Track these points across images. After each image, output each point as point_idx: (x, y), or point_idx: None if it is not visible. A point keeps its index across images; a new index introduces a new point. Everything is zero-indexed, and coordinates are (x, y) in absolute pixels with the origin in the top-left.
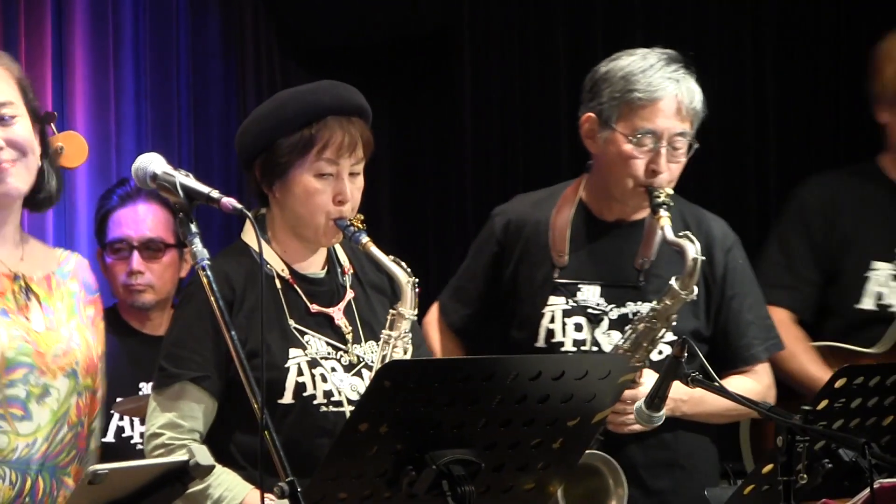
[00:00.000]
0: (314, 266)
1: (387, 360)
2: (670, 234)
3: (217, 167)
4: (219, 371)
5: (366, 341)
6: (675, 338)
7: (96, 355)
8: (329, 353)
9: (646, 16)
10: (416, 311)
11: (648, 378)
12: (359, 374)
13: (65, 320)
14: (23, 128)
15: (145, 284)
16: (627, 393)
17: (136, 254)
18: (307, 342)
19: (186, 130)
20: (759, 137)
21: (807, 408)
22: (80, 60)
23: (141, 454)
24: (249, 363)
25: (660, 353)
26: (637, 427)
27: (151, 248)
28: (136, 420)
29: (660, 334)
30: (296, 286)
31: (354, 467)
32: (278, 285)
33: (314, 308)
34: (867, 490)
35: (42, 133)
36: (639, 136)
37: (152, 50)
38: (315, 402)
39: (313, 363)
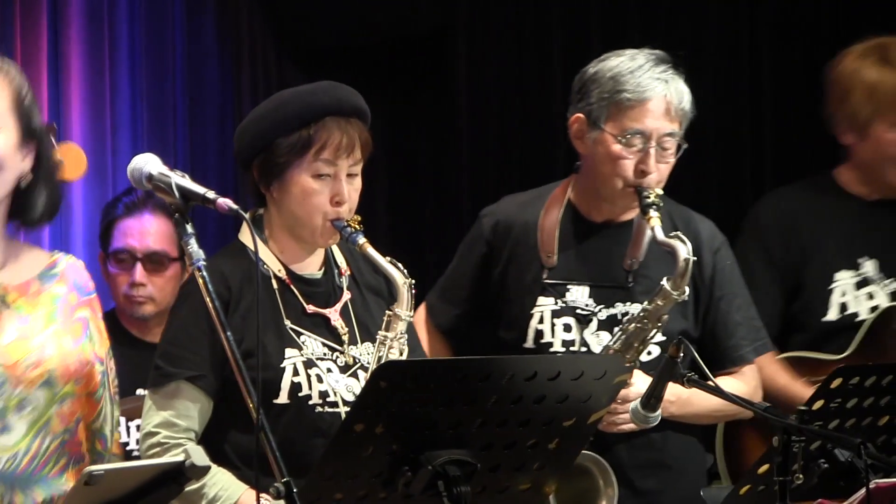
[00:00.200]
0: (311, 267)
1: (383, 362)
2: (661, 235)
3: (213, 168)
4: (214, 370)
5: (362, 342)
6: (664, 338)
7: (80, 359)
8: (325, 354)
9: (642, 17)
10: (412, 313)
11: (638, 378)
12: (354, 374)
13: (40, 328)
14: (1, 141)
15: (146, 297)
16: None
17: (139, 266)
18: (303, 343)
19: (182, 131)
20: (756, 138)
21: (803, 408)
22: (76, 61)
23: (137, 458)
24: (245, 363)
25: (648, 353)
26: (627, 427)
27: (155, 262)
28: (133, 425)
29: (651, 335)
30: (292, 287)
31: (350, 467)
32: (275, 286)
33: (311, 309)
34: (863, 490)
35: (39, 149)
36: (628, 136)
37: (148, 51)
38: (310, 402)
39: (309, 363)
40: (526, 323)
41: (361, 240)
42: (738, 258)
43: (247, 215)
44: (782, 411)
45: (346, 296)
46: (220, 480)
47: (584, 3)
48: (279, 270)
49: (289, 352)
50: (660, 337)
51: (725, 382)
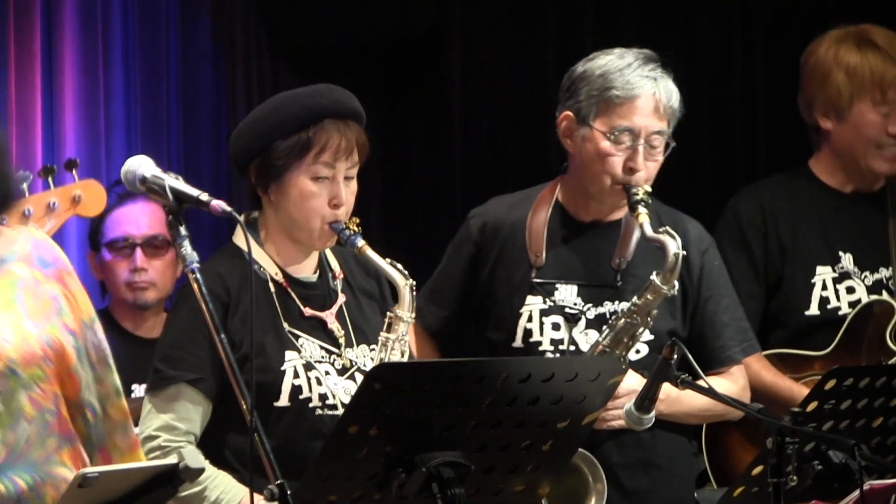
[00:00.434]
0: (307, 270)
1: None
2: (650, 231)
3: (207, 170)
4: (214, 373)
5: (357, 345)
6: (653, 337)
7: (47, 340)
8: (323, 357)
9: (636, 18)
10: (413, 314)
11: (628, 378)
12: (352, 377)
13: None
14: None
15: (148, 282)
16: None
17: (138, 251)
18: (301, 345)
19: (176, 133)
20: (749, 139)
21: (797, 409)
22: (70, 62)
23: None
24: (245, 366)
25: (637, 352)
26: (616, 423)
27: (154, 245)
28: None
29: (640, 330)
30: (289, 289)
31: (344, 469)
32: (272, 288)
33: (307, 312)
34: (857, 492)
35: None
36: (616, 133)
37: (142, 52)
38: (311, 405)
39: (308, 366)
40: (514, 323)
41: (360, 242)
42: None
43: (241, 218)
44: (769, 408)
45: (342, 299)
46: (221, 483)
47: (578, 3)
48: (276, 273)
49: (288, 354)
50: (648, 336)
51: (715, 382)
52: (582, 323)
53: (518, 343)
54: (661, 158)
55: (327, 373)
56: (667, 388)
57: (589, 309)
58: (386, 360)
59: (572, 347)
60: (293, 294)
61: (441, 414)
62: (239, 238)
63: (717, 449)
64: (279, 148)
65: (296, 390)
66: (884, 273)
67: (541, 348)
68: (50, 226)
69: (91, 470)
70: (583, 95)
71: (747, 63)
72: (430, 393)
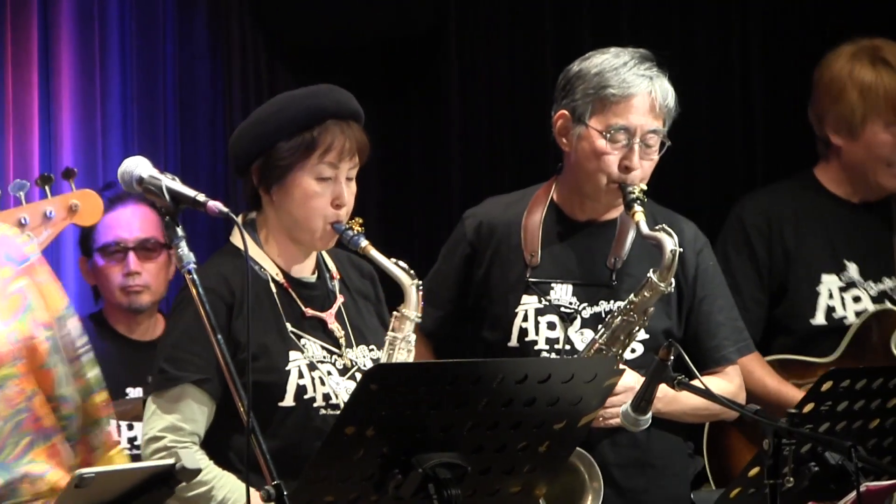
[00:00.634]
0: (306, 271)
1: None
2: (646, 229)
3: (203, 170)
4: (219, 374)
5: (357, 346)
6: (648, 337)
7: (17, 338)
8: (324, 357)
9: (633, 19)
10: (419, 313)
11: (625, 375)
12: (353, 377)
13: None
14: None
15: (142, 285)
16: None
17: (131, 255)
18: (303, 346)
19: (173, 133)
20: (747, 140)
21: (793, 411)
22: (67, 63)
23: (128, 458)
24: (252, 366)
25: (632, 351)
26: (613, 422)
27: (147, 248)
28: (124, 426)
29: (637, 328)
30: (290, 290)
31: (341, 470)
32: (273, 289)
33: (308, 312)
34: (853, 493)
35: None
36: (612, 132)
37: (138, 52)
38: (315, 404)
39: (311, 366)
40: (510, 322)
41: (364, 242)
42: (722, 259)
43: (239, 219)
44: (773, 414)
45: (340, 299)
46: (228, 483)
47: (576, 4)
48: (276, 274)
49: (293, 354)
50: (643, 335)
51: (711, 382)
52: (577, 322)
53: (514, 343)
54: (656, 157)
55: (329, 373)
56: (665, 387)
57: (584, 308)
58: (394, 359)
59: (568, 347)
60: (294, 294)
61: (438, 415)
62: (237, 238)
63: (718, 450)
64: (283, 148)
65: (300, 390)
66: (888, 283)
67: (536, 348)
68: (46, 235)
69: (88, 470)
70: (578, 94)
71: (745, 63)
72: (427, 394)
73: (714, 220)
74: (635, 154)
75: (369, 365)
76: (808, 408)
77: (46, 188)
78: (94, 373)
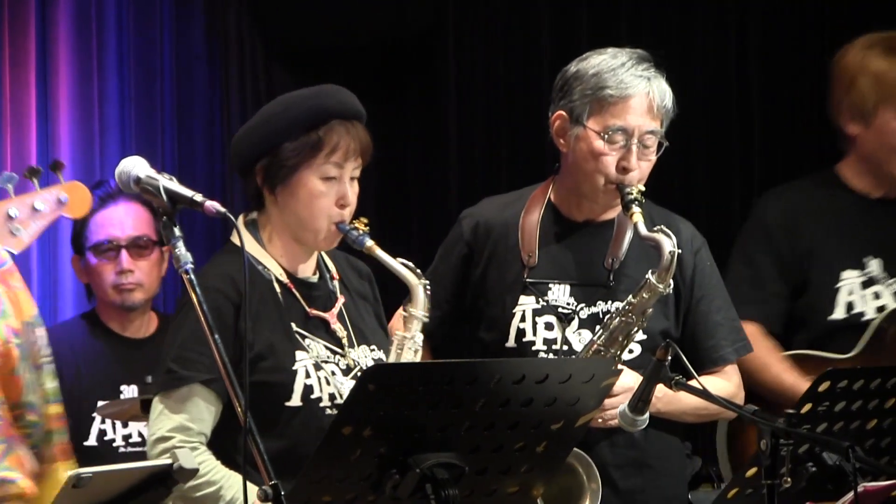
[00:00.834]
0: (308, 271)
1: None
2: (644, 230)
3: (201, 170)
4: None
5: (358, 346)
6: (646, 337)
7: None
8: (328, 357)
9: (630, 20)
10: (427, 313)
11: (624, 375)
12: (356, 377)
13: None
14: None
15: (135, 283)
16: None
17: (124, 253)
18: (308, 346)
19: (170, 134)
20: (744, 139)
21: (791, 411)
22: (64, 64)
23: (123, 458)
24: (257, 366)
25: (630, 352)
26: (612, 422)
27: (139, 246)
28: (119, 423)
29: (635, 329)
30: (293, 290)
31: (338, 471)
32: (277, 289)
33: (312, 312)
34: (851, 493)
35: None
36: (610, 133)
37: (136, 53)
38: (321, 404)
39: (317, 366)
40: (507, 322)
41: (369, 242)
42: (743, 256)
43: (240, 219)
44: (771, 414)
45: (341, 300)
46: (236, 483)
47: (573, 4)
48: (280, 274)
49: (299, 354)
50: (641, 335)
51: (710, 382)
52: (575, 323)
53: (511, 343)
54: (654, 158)
55: (333, 373)
56: (664, 387)
57: (582, 309)
58: (402, 360)
59: (565, 347)
60: (297, 294)
61: (435, 415)
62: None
63: (736, 447)
64: (288, 148)
65: (307, 390)
66: None
67: (534, 348)
68: (37, 227)
69: (85, 470)
70: (576, 95)
71: (742, 63)
72: (424, 394)
73: (711, 219)
74: (633, 155)
75: (371, 365)
76: (805, 408)
77: (35, 180)
78: (52, 385)
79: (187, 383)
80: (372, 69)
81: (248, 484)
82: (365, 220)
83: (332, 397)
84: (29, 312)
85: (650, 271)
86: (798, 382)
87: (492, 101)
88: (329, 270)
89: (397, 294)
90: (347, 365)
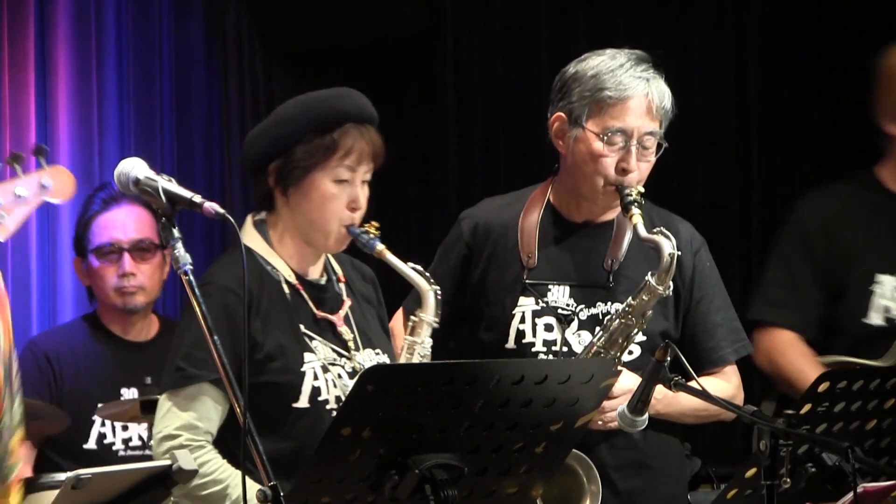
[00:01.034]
0: (316, 273)
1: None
2: (643, 232)
3: (200, 171)
4: (235, 373)
5: (363, 349)
6: (645, 339)
7: None
8: (335, 360)
9: (628, 20)
10: (437, 318)
11: (624, 377)
12: None
13: None
14: None
15: (137, 286)
16: None
17: (126, 256)
18: (315, 347)
19: (169, 134)
20: (742, 140)
21: (790, 412)
22: (63, 64)
23: (122, 462)
24: (266, 366)
25: (629, 353)
26: (612, 424)
27: (142, 249)
28: (119, 427)
29: (635, 331)
30: (302, 291)
31: (337, 471)
32: (286, 290)
33: (319, 314)
34: (850, 494)
35: None
36: (609, 134)
37: (135, 53)
38: (328, 406)
39: (325, 368)
40: (507, 323)
41: (380, 246)
42: (779, 260)
43: (248, 218)
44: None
45: (348, 302)
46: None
47: (571, 6)
48: (289, 275)
49: (307, 356)
50: (641, 337)
51: (709, 383)
52: (574, 324)
53: (511, 344)
54: (653, 159)
55: (340, 375)
56: (665, 389)
57: (581, 310)
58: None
59: (565, 349)
60: (306, 296)
61: (434, 416)
62: (248, 239)
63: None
64: (302, 149)
65: (315, 392)
66: None
67: (534, 349)
68: (21, 214)
69: (84, 471)
70: (575, 96)
71: (741, 63)
72: (423, 395)
73: (710, 220)
74: (632, 156)
75: (369, 366)
76: (805, 409)
77: (17, 167)
78: (20, 410)
79: (196, 382)
80: (371, 69)
81: (251, 483)
82: (376, 224)
83: (338, 400)
84: (11, 340)
85: (649, 273)
86: None
87: (490, 101)
88: (335, 273)
89: (397, 296)
90: (353, 367)
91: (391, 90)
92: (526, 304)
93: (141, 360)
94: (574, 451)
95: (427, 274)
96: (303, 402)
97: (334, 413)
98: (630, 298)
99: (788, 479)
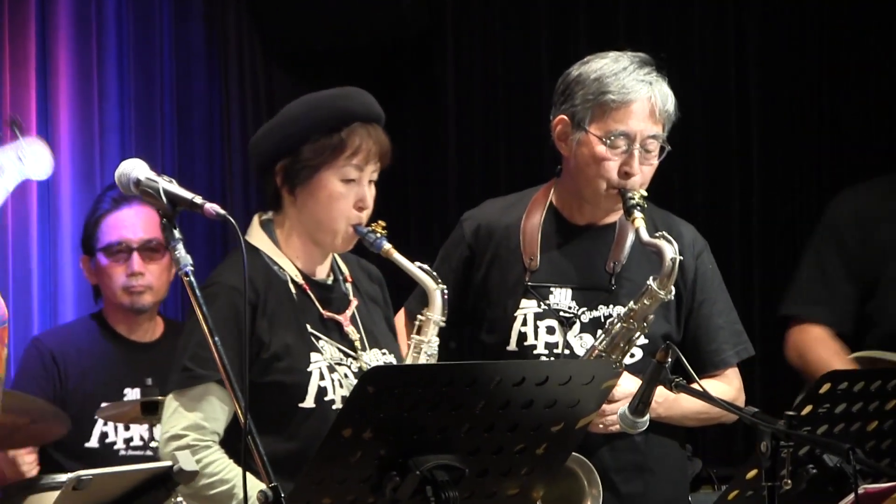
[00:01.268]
0: (323, 273)
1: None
2: (646, 236)
3: (200, 173)
4: (242, 373)
5: (370, 349)
6: (647, 342)
7: None
8: (341, 360)
9: (628, 20)
10: (444, 318)
11: (623, 377)
12: None
13: None
14: None
15: (145, 286)
16: None
17: (135, 255)
18: (321, 347)
19: (170, 135)
20: (743, 141)
21: (791, 413)
22: (64, 65)
23: (123, 461)
24: (273, 366)
25: (631, 356)
26: (614, 428)
27: (151, 249)
28: (121, 426)
29: (636, 335)
30: (309, 291)
31: (338, 473)
32: (293, 290)
33: (326, 314)
34: (852, 495)
35: None
36: (612, 137)
37: (136, 54)
38: (334, 406)
39: (331, 368)
40: (509, 325)
41: (387, 245)
42: (813, 256)
43: (255, 218)
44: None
45: (354, 302)
46: (249, 481)
47: (571, 6)
48: (295, 275)
49: (314, 356)
50: (643, 340)
51: (710, 385)
52: (576, 327)
53: (512, 346)
54: (656, 162)
55: (346, 375)
56: (665, 391)
57: (583, 312)
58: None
59: (567, 351)
60: (312, 296)
61: (435, 417)
62: (254, 238)
63: None
64: (310, 148)
65: (321, 392)
66: None
67: (535, 352)
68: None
69: (85, 472)
70: (578, 99)
71: (741, 65)
72: (424, 396)
73: (711, 220)
74: (635, 159)
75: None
76: (806, 410)
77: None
78: None
79: (203, 382)
80: (371, 70)
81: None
82: (383, 224)
83: (344, 400)
84: (4, 368)
85: (651, 278)
86: None
87: (490, 101)
88: (342, 273)
89: (403, 296)
90: (360, 367)
91: (391, 90)
92: (528, 307)
93: (145, 361)
94: (575, 454)
95: (434, 273)
96: (309, 401)
97: None
98: (632, 302)
99: (789, 481)
